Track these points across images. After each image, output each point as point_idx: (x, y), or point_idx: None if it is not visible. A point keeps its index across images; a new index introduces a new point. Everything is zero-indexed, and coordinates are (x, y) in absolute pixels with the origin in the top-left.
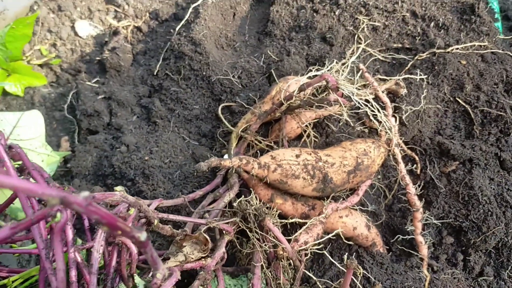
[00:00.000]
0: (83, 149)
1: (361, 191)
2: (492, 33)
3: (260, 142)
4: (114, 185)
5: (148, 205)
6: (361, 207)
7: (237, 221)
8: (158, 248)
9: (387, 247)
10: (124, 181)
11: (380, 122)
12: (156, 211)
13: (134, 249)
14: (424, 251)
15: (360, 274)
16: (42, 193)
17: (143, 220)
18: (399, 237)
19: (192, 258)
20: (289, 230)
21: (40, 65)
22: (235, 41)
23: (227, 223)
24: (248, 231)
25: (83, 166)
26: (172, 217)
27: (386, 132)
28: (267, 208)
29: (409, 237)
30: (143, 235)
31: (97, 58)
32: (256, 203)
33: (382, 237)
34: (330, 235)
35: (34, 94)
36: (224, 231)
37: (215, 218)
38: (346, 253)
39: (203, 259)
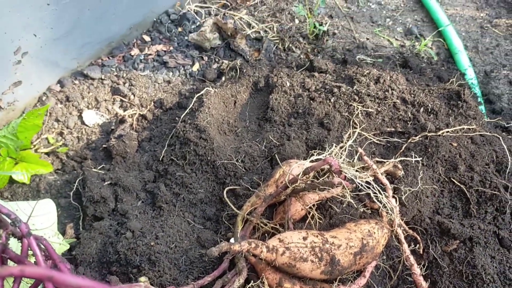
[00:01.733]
0: (88, 236)
1: (367, 272)
2: (479, 117)
3: (266, 225)
4: (119, 273)
5: None
6: None
7: None
8: None
9: None
10: (130, 268)
11: (381, 203)
12: None
13: None
14: None
15: None
16: None
17: None
18: None
19: None
20: None
21: (47, 153)
22: (237, 127)
23: None
24: None
25: (88, 253)
26: None
27: (388, 213)
28: None
29: None
30: None
31: (103, 146)
32: None
33: None
34: None
35: (40, 182)
36: None
37: None
38: None
39: None
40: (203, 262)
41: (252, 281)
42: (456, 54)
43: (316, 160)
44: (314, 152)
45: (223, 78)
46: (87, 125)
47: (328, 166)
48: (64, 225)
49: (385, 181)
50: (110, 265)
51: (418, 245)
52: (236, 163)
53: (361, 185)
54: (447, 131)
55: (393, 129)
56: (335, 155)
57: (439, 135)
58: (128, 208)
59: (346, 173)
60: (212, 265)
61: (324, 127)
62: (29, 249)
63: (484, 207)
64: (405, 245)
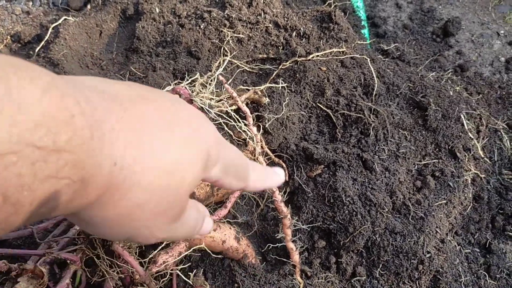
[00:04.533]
0: None
1: (229, 203)
2: (351, 39)
3: None
4: None
5: None
6: (231, 220)
7: (83, 248)
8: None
9: (262, 257)
10: None
11: (241, 133)
12: None
13: None
14: (296, 257)
15: None
16: None
17: None
18: (271, 246)
19: None
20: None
21: None
22: (102, 60)
23: (74, 251)
24: (95, 258)
25: None
26: (0, 251)
27: (250, 141)
28: None
29: (281, 244)
30: None
31: None
32: None
33: (257, 247)
34: (189, 251)
35: None
36: (69, 261)
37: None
38: (195, 271)
39: None
40: None
41: None
42: None
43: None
44: (173, 82)
45: (88, 6)
46: None
47: (178, 96)
48: None
49: (244, 108)
50: None
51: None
52: None
53: (213, 114)
54: (317, 55)
55: (265, 56)
56: (200, 85)
57: (309, 60)
58: None
59: (196, 102)
60: None
61: (193, 56)
62: None
63: (349, 131)
64: None
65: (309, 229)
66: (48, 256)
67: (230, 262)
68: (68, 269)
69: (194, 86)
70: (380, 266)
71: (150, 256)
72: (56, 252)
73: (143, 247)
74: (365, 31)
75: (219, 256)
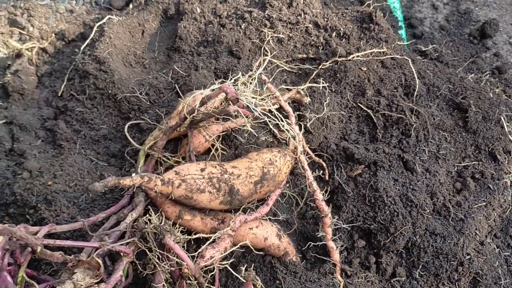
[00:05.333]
0: None
1: (271, 201)
2: (391, 40)
3: (169, 159)
4: (17, 214)
5: (36, 232)
6: (272, 217)
7: (136, 241)
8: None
9: (301, 255)
10: (26, 209)
11: (284, 132)
12: (40, 237)
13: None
14: (336, 256)
15: (259, 285)
16: None
17: (29, 249)
18: (311, 244)
19: (82, 285)
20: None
21: None
22: (144, 58)
23: (127, 244)
24: (147, 251)
25: None
26: (59, 242)
27: (292, 141)
28: (173, 225)
29: (322, 243)
30: None
31: (0, 83)
32: (156, 221)
33: (296, 245)
34: (235, 247)
35: None
36: (122, 253)
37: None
38: (245, 265)
39: (95, 285)
40: (106, 200)
41: (148, 215)
42: None
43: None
44: (217, 81)
45: (131, 6)
46: None
47: (225, 95)
48: None
49: (287, 108)
50: (7, 207)
51: (323, 171)
52: (140, 96)
53: (259, 113)
54: (357, 56)
55: (305, 56)
56: (242, 84)
57: (349, 60)
58: (26, 148)
59: (243, 101)
60: (117, 202)
61: (234, 56)
62: None
63: (390, 131)
64: (309, 172)
65: (349, 229)
66: (103, 248)
67: (271, 259)
68: (121, 261)
69: (236, 85)
70: (420, 267)
71: (199, 251)
72: (111, 244)
73: (191, 241)
74: (402, 32)
75: (261, 253)
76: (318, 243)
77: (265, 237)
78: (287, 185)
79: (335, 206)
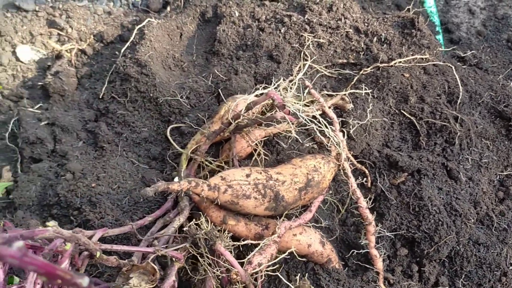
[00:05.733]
0: (26, 179)
1: (314, 207)
2: (433, 46)
3: (211, 163)
4: (60, 215)
5: (91, 236)
6: (314, 224)
7: (187, 247)
8: (107, 280)
9: (343, 263)
10: (71, 210)
11: (328, 138)
12: (98, 242)
13: None
14: (380, 264)
15: None
16: None
17: (86, 253)
18: (354, 251)
19: None
20: (243, 251)
21: None
22: (183, 61)
23: (177, 249)
24: (199, 257)
25: (27, 196)
26: (116, 247)
27: (335, 147)
28: (218, 231)
29: (364, 251)
30: (85, 281)
31: (40, 83)
32: (207, 227)
33: (337, 252)
34: (284, 255)
35: None
36: (173, 258)
37: (165, 245)
38: (299, 273)
39: None
40: (148, 202)
41: (194, 219)
42: None
43: (261, 94)
44: (260, 86)
45: (168, 8)
46: (22, 62)
47: (271, 101)
48: (1, 168)
49: (332, 114)
50: (50, 208)
51: (366, 178)
52: (181, 99)
53: (305, 119)
54: (400, 62)
55: (345, 61)
56: (283, 89)
57: (391, 66)
58: (68, 149)
59: (289, 107)
60: (158, 205)
61: (274, 60)
62: None
63: (434, 139)
64: (352, 179)
65: (392, 237)
66: (157, 253)
67: (313, 265)
68: (172, 266)
69: (278, 90)
70: (463, 276)
71: (248, 257)
72: (164, 250)
73: (240, 248)
74: (440, 37)
75: (303, 259)
76: (361, 250)
77: (308, 244)
78: (330, 191)
79: (377, 213)
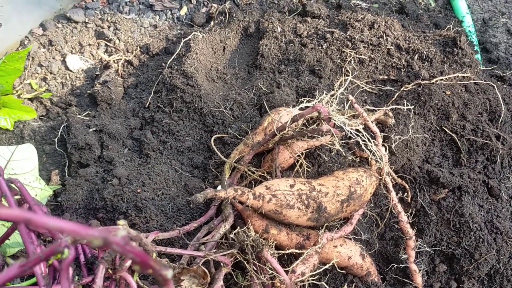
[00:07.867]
0: (74, 183)
1: (354, 220)
2: (474, 65)
3: (253, 173)
4: (105, 219)
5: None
6: (354, 236)
7: (234, 253)
8: (152, 282)
9: (381, 276)
10: (116, 215)
11: (370, 152)
12: (153, 244)
13: (134, 284)
14: (419, 279)
15: None
16: (86, 234)
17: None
18: (393, 265)
19: None
20: (283, 261)
21: (30, 99)
22: (226, 74)
23: (225, 255)
24: (245, 263)
25: (74, 200)
26: (170, 250)
27: (377, 161)
28: (263, 239)
29: (403, 265)
30: (169, 273)
31: (88, 92)
32: (254, 234)
33: (375, 266)
34: (326, 266)
35: (24, 128)
36: (222, 264)
37: (212, 250)
38: (346, 284)
39: None
40: (190, 209)
41: (238, 227)
42: (454, 0)
43: (306, 107)
44: (304, 99)
45: (212, 23)
46: (71, 70)
47: (317, 114)
48: (50, 172)
49: (375, 129)
50: (96, 212)
51: (406, 193)
52: (224, 110)
53: (350, 133)
54: (441, 79)
55: (386, 77)
56: (325, 103)
57: (433, 83)
58: (114, 155)
59: (335, 120)
60: (200, 212)
61: (315, 75)
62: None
63: (475, 156)
64: (393, 193)
65: (431, 252)
66: (208, 257)
67: (352, 278)
68: (220, 271)
69: (322, 104)
70: None
71: (292, 266)
72: (214, 254)
73: (285, 256)
74: (478, 56)
75: (343, 271)
76: (400, 265)
77: (349, 256)
78: (371, 205)
79: (417, 229)
